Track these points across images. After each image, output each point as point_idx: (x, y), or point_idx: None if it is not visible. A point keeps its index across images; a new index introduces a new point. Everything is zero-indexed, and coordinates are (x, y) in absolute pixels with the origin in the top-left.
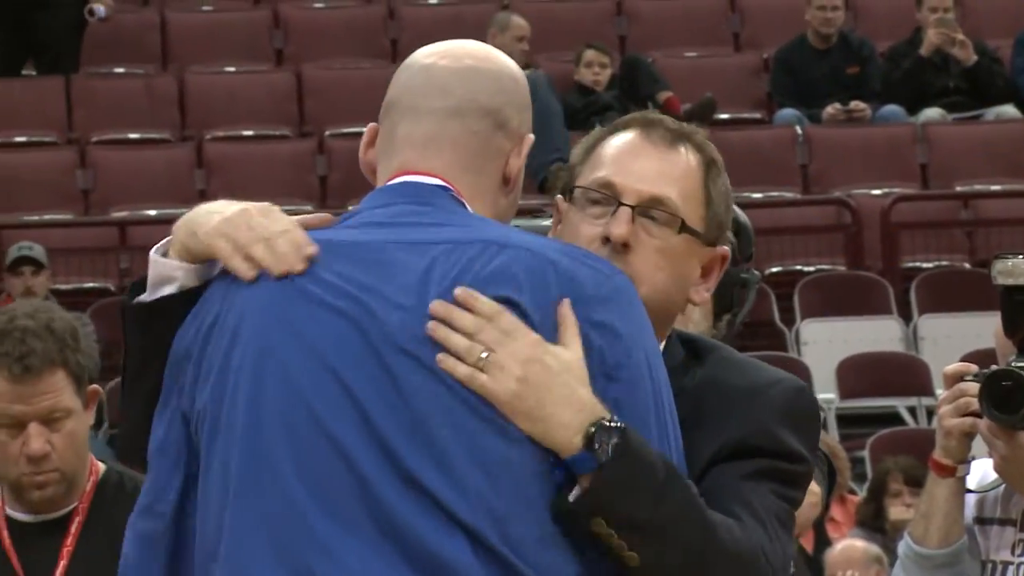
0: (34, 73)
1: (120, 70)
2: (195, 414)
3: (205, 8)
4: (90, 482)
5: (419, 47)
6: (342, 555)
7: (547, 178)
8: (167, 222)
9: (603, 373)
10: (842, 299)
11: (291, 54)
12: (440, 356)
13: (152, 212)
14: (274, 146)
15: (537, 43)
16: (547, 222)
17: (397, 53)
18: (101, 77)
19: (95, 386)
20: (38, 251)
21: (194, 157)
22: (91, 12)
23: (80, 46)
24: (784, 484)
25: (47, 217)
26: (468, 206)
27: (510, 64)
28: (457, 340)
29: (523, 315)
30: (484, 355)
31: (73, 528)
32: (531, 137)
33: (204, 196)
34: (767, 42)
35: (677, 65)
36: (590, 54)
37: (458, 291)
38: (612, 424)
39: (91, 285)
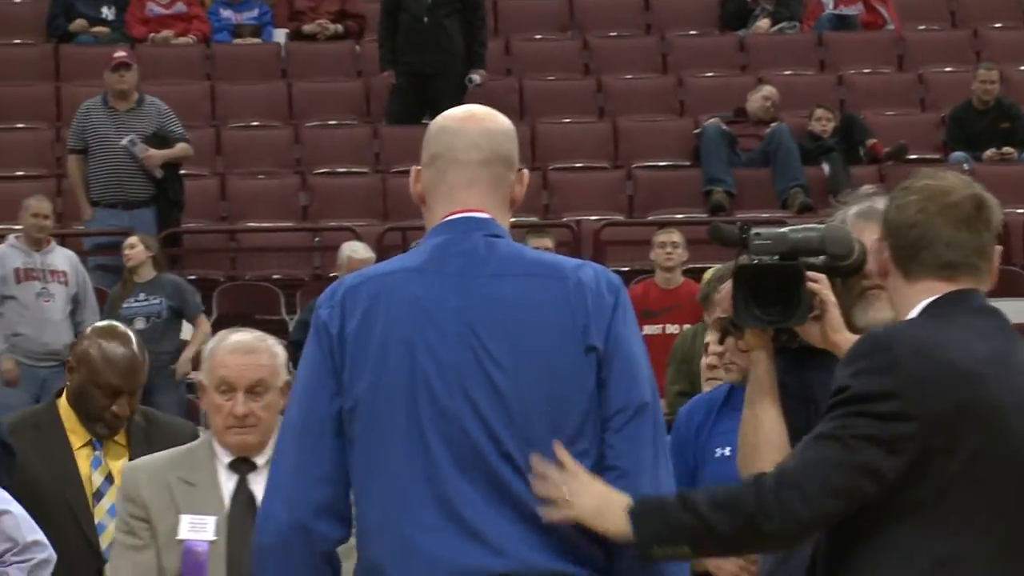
0: (427, 122)
1: None
2: (352, 396)
3: (549, 77)
4: None
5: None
6: (472, 502)
7: (788, 198)
8: (518, 227)
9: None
10: None
11: (609, 110)
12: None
13: (511, 219)
14: (596, 175)
15: (782, 104)
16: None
17: (685, 110)
18: None
19: None
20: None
21: (540, 181)
22: (470, 80)
23: (462, 103)
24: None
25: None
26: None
27: (507, 121)
28: (552, 489)
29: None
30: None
31: None
32: (526, 172)
33: (547, 209)
34: (944, 104)
35: (880, 120)
36: (819, 111)
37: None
38: (634, 507)
39: None
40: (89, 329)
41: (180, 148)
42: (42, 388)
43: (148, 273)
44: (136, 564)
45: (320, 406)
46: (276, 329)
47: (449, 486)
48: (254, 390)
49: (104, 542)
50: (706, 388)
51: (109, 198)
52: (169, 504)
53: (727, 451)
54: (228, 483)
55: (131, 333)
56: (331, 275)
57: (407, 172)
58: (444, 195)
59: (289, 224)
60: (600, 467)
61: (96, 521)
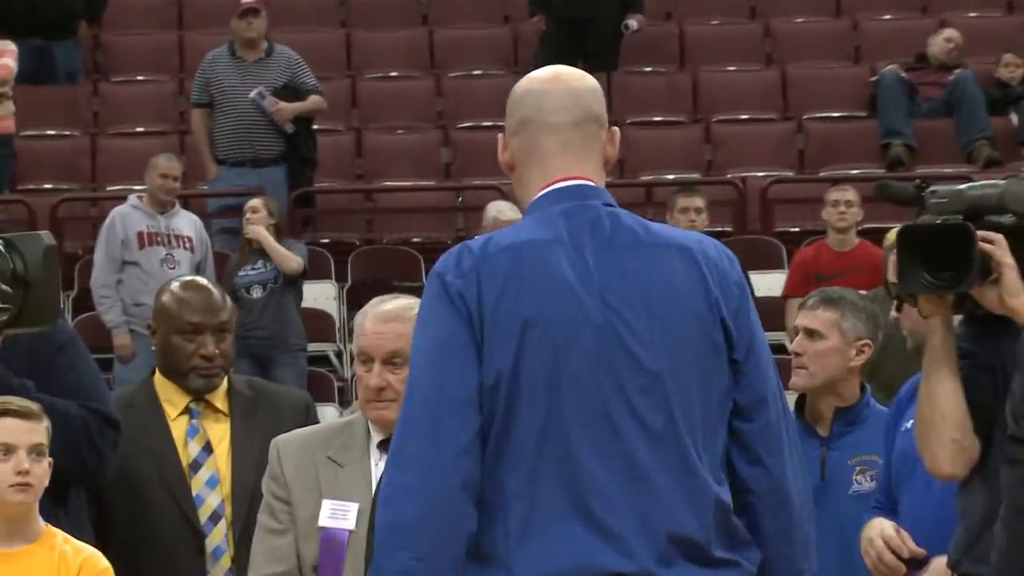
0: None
1: (648, 69)
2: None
3: (713, 22)
4: None
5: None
6: (605, 494)
7: (972, 151)
8: (682, 184)
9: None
10: None
11: (778, 57)
12: None
13: (670, 176)
14: (763, 127)
15: (966, 48)
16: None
17: (860, 56)
18: (634, 74)
19: None
20: None
21: (703, 135)
22: (626, 26)
23: (619, 51)
24: None
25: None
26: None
27: (592, 79)
28: None
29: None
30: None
31: None
32: (617, 130)
33: (710, 166)
34: None
35: None
36: (1007, 57)
37: None
38: None
39: None
40: (161, 287)
41: (312, 101)
42: None
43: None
44: (273, 549)
45: (463, 376)
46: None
47: (584, 475)
48: (392, 361)
49: (203, 516)
50: None
51: (236, 156)
52: (313, 486)
53: (908, 424)
54: (379, 465)
55: (205, 280)
56: (474, 237)
57: None
58: (537, 161)
59: (430, 183)
60: (725, 454)
61: (194, 493)
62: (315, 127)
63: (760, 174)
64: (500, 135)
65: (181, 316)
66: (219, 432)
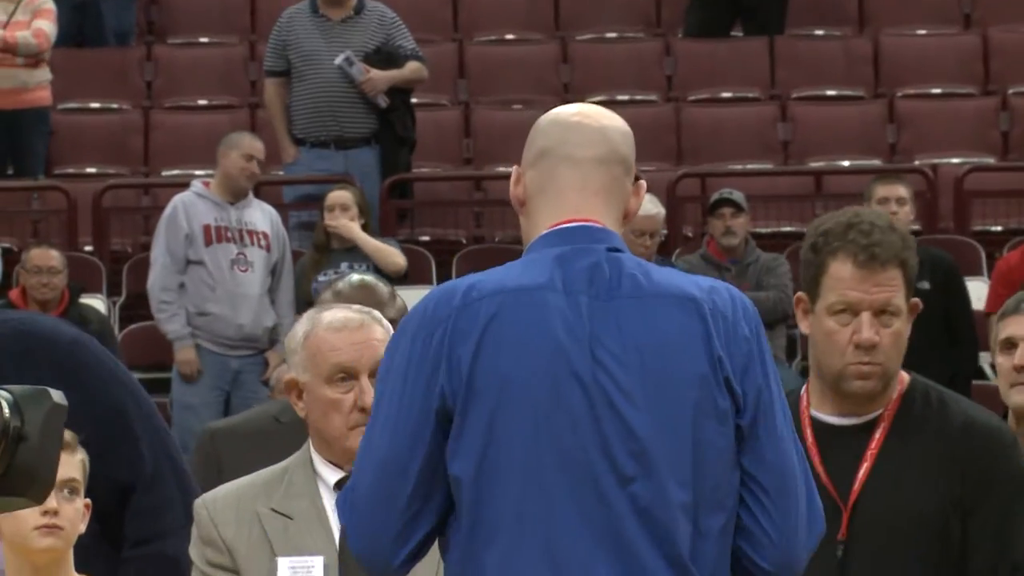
0: (741, 34)
1: (820, 32)
2: None
3: None
4: (896, 391)
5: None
6: (595, 572)
7: None
8: (860, 172)
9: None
10: None
11: (978, 18)
12: None
13: (845, 163)
14: (959, 103)
15: None
16: None
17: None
18: (803, 39)
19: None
20: (736, 195)
21: (886, 112)
22: None
23: (785, 10)
24: None
25: (749, 166)
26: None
27: (624, 122)
28: None
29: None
30: None
31: (877, 434)
32: (643, 183)
33: (894, 150)
34: None
35: None
36: None
37: None
38: None
39: (788, 229)
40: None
41: (411, 69)
42: (234, 382)
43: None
44: None
45: (417, 442)
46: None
47: (568, 552)
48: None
49: None
50: None
51: (318, 135)
52: (261, 543)
53: None
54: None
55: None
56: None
57: (710, 101)
58: (552, 196)
59: None
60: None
61: None
62: (414, 100)
63: (955, 160)
64: (515, 167)
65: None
66: None
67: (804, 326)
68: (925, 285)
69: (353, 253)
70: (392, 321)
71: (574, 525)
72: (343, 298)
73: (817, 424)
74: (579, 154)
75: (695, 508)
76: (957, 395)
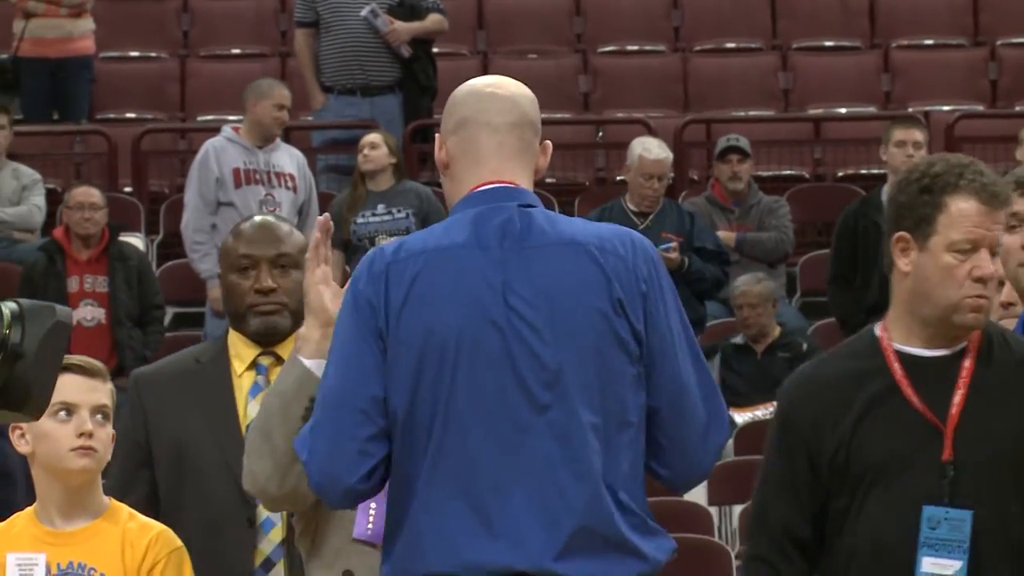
0: None
1: None
2: None
3: None
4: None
5: None
6: (509, 490)
7: None
8: (856, 119)
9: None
10: None
11: None
12: None
13: (842, 110)
14: (951, 54)
15: None
16: None
17: None
18: None
19: None
20: (743, 142)
21: (881, 62)
22: None
23: None
24: None
25: (752, 113)
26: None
27: (530, 91)
28: None
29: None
30: None
31: (967, 363)
32: (549, 143)
33: (888, 98)
34: None
35: None
36: None
37: None
38: None
39: (788, 172)
40: None
41: (432, 20)
42: None
43: (387, 181)
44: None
45: (363, 384)
46: None
47: (482, 473)
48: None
49: None
50: None
51: (345, 83)
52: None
53: None
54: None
55: (275, 217)
56: (617, 179)
57: (715, 51)
58: (472, 160)
59: (566, 116)
60: (645, 452)
61: None
62: (435, 50)
63: (946, 108)
64: (437, 134)
65: (233, 250)
66: None
67: (903, 263)
68: None
69: (389, 194)
70: (288, 256)
71: (491, 457)
72: (233, 231)
73: (905, 357)
74: (496, 120)
75: (604, 428)
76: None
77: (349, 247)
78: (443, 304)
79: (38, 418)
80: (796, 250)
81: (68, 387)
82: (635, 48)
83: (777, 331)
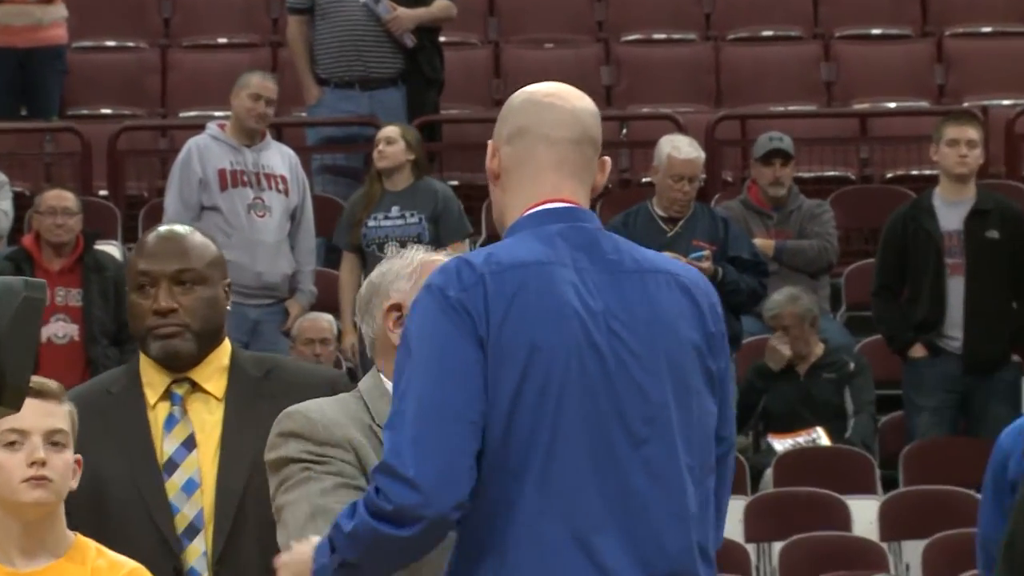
0: None
1: None
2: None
3: None
4: None
5: None
6: (607, 527)
7: None
8: (906, 114)
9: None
10: None
11: None
12: None
13: (892, 105)
14: (1011, 43)
15: None
16: None
17: None
18: None
19: None
20: (787, 143)
21: (934, 52)
22: None
23: None
24: None
25: (792, 108)
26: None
27: (592, 102)
28: None
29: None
30: None
31: None
32: (608, 160)
33: (942, 92)
34: None
35: None
36: None
37: None
38: None
39: (832, 174)
40: None
41: (439, 6)
42: (253, 333)
43: (404, 180)
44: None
45: (469, 395)
46: None
47: (584, 508)
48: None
49: (179, 527)
50: None
51: (342, 75)
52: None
53: None
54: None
55: (188, 228)
56: (643, 181)
57: (750, 39)
58: (530, 175)
59: None
60: None
61: (169, 500)
62: (442, 39)
63: (1006, 103)
64: (490, 141)
65: (135, 266)
66: (210, 422)
67: None
68: (994, 235)
69: (406, 195)
70: (192, 271)
71: (593, 491)
72: (144, 252)
73: None
74: (555, 134)
75: (699, 470)
76: None
77: (362, 251)
78: (548, 322)
79: (18, 409)
80: (841, 259)
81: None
82: (662, 37)
83: (820, 349)
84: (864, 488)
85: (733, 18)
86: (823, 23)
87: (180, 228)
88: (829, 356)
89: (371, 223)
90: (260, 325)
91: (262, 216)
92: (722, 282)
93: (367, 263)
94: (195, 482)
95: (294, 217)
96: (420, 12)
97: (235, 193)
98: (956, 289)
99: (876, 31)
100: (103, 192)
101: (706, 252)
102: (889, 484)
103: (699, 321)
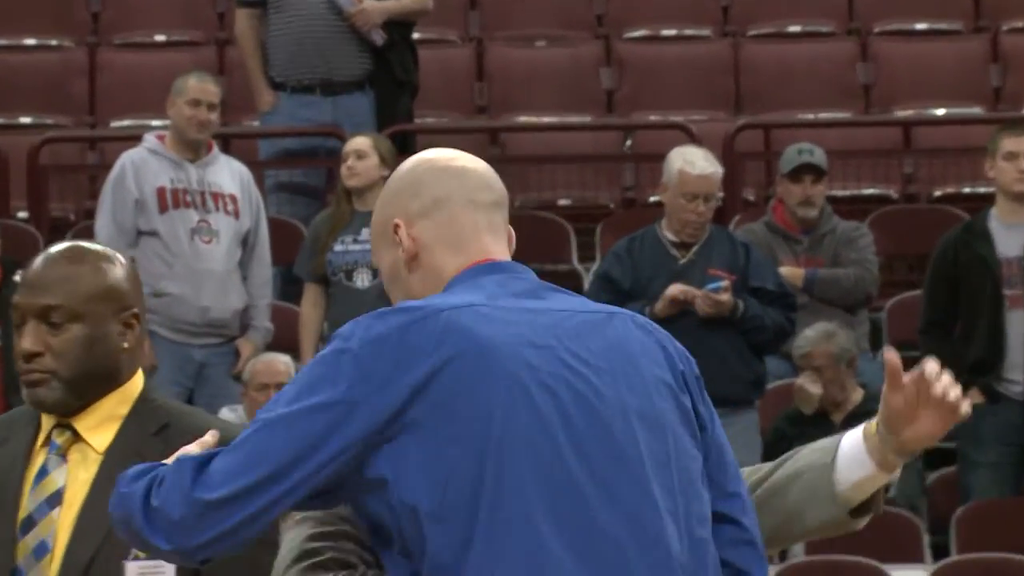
0: None
1: None
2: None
3: None
4: None
5: None
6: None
7: None
8: (957, 123)
9: None
10: None
11: None
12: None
13: (939, 112)
14: None
15: None
16: None
17: None
18: None
19: None
20: (818, 156)
21: (988, 50)
22: None
23: None
24: None
25: (823, 116)
26: None
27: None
28: None
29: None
30: None
31: None
32: (513, 232)
33: (999, 96)
34: None
35: None
36: None
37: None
38: None
39: (871, 192)
40: None
41: None
42: (198, 377)
43: (376, 198)
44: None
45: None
46: (564, 280)
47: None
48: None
49: None
50: None
51: (300, 78)
52: None
53: None
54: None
55: (92, 248)
56: (650, 200)
57: (775, 36)
58: (453, 243)
59: (584, 119)
60: None
61: (17, 562)
62: (415, 36)
63: None
64: (396, 220)
65: (12, 300)
66: (82, 478)
67: None
68: None
69: None
70: (61, 309)
71: (551, 537)
72: (22, 283)
73: None
74: (480, 198)
75: (684, 517)
76: None
77: (327, 282)
78: (498, 369)
79: None
80: (882, 291)
81: None
82: (672, 33)
83: (859, 395)
84: (910, 556)
85: (755, 11)
86: (859, 17)
87: (71, 249)
88: (869, 403)
89: (338, 247)
90: (206, 368)
91: (208, 242)
92: (743, 317)
93: (332, 294)
94: (47, 546)
95: (246, 243)
96: (390, 4)
97: (176, 215)
98: (1017, 325)
99: (921, 26)
100: (22, 214)
101: (724, 283)
102: (940, 552)
103: (665, 358)
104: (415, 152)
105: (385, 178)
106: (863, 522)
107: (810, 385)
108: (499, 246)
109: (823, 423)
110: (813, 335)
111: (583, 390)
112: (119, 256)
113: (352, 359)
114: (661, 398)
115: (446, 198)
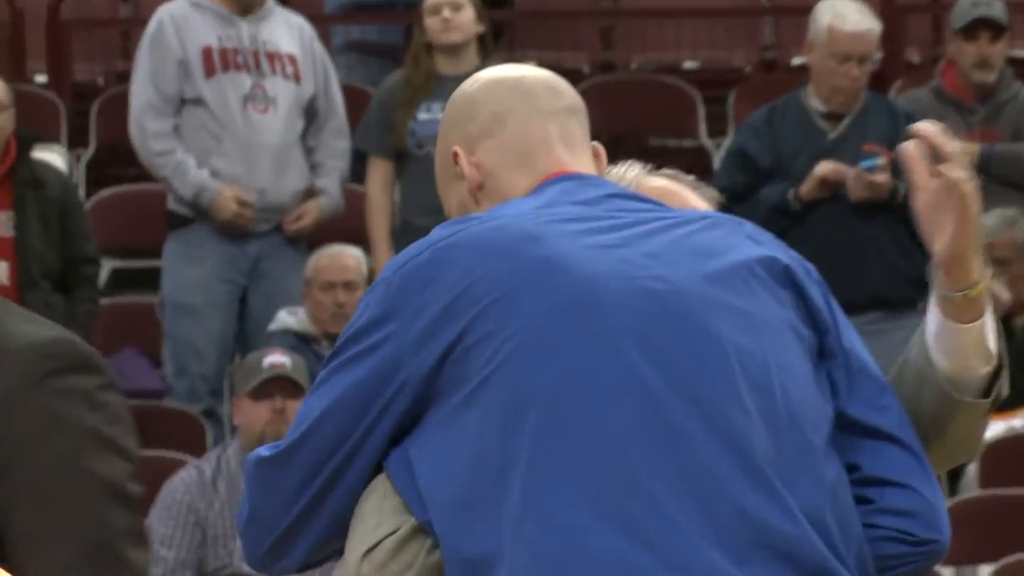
0: None
1: None
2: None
3: None
4: None
5: None
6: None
7: None
8: None
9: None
10: None
11: None
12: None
13: None
14: None
15: None
16: None
17: None
18: None
19: None
20: (998, 8)
21: None
22: None
23: None
24: None
25: None
26: None
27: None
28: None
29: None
30: None
31: None
32: (602, 148)
33: None
34: None
35: None
36: None
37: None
38: None
39: None
40: None
41: None
42: (252, 273)
43: (468, 60)
44: None
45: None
46: (689, 158)
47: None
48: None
49: None
50: None
51: None
52: None
53: None
54: None
55: None
56: (793, 63)
57: None
58: (525, 159)
59: None
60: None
61: None
62: None
63: None
64: (455, 149)
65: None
66: None
67: None
68: None
69: (464, 80)
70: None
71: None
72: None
73: None
74: (547, 106)
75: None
76: None
77: (406, 158)
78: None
79: None
80: None
81: None
82: None
83: None
84: None
85: None
86: None
87: None
88: None
89: (423, 116)
90: (262, 263)
91: (263, 111)
92: (905, 202)
93: (409, 172)
94: None
95: (311, 112)
96: None
97: (226, 79)
98: None
99: None
100: (41, 78)
101: (882, 160)
102: None
103: (767, 252)
104: (513, 5)
105: (480, 35)
106: (986, 405)
107: (998, 288)
108: (578, 158)
109: (1004, 330)
110: (992, 222)
111: (647, 281)
112: None
113: (386, 289)
114: (756, 286)
115: (507, 111)
